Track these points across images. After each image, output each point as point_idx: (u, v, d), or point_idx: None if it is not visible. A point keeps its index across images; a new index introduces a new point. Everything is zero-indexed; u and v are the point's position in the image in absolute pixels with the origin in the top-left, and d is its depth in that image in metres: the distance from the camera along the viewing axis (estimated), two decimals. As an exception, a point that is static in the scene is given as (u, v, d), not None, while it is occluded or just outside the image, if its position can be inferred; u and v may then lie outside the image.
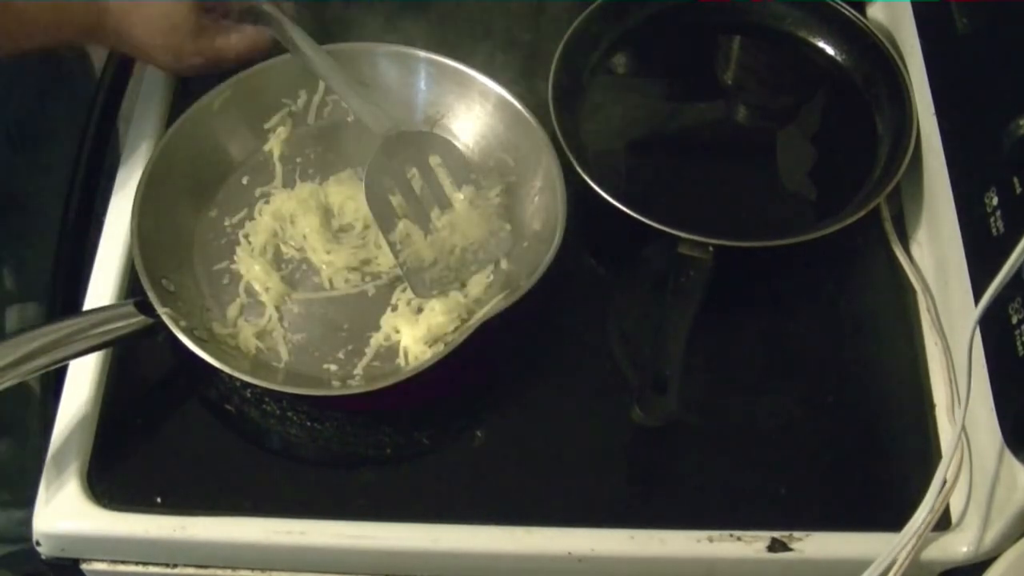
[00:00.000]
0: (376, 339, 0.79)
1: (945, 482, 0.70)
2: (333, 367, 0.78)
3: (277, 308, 0.81)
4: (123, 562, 0.75)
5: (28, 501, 0.74)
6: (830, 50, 0.94)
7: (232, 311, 0.81)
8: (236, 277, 0.82)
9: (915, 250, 0.84)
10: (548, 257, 0.77)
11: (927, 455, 0.75)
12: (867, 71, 0.91)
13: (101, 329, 0.74)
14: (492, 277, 0.81)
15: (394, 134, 0.79)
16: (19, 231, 1.07)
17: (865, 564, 0.68)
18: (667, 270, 0.79)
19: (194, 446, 0.78)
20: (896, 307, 0.83)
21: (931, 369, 0.79)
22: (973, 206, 0.72)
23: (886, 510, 0.72)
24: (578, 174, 0.82)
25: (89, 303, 0.81)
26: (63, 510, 0.73)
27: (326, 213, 0.85)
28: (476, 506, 0.74)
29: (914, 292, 0.82)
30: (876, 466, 0.76)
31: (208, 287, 0.82)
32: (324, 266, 0.83)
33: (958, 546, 0.71)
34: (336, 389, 0.76)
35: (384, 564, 0.74)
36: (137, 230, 0.79)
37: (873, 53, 0.91)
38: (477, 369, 0.79)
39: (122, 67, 0.95)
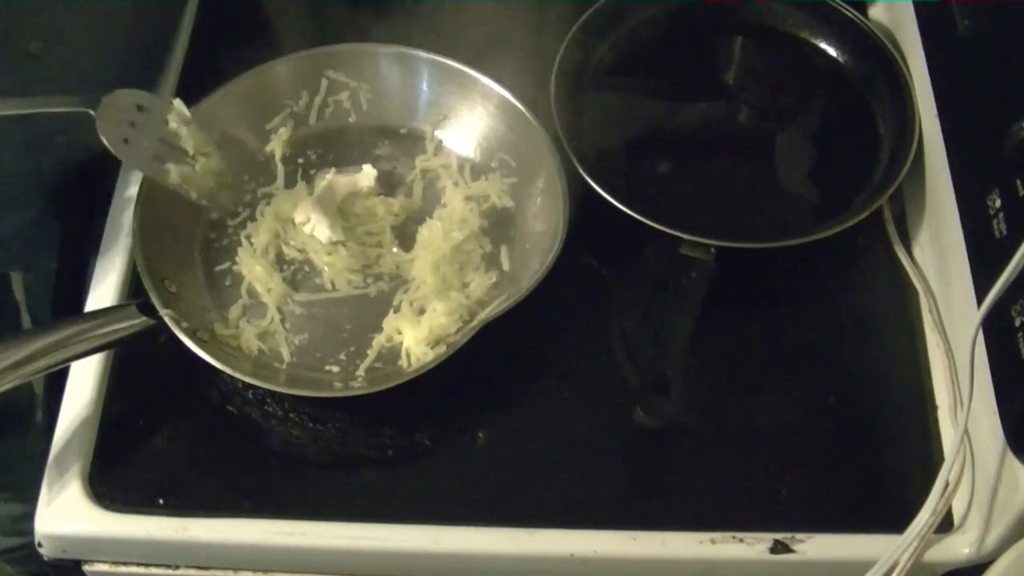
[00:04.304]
0: (378, 340, 0.79)
1: (947, 484, 0.70)
2: (335, 368, 0.78)
3: (279, 309, 0.81)
4: (125, 563, 0.75)
5: (29, 497, 0.74)
6: (832, 51, 0.94)
7: (234, 312, 0.80)
8: (238, 278, 0.82)
9: (917, 251, 0.84)
10: (550, 258, 0.77)
11: (929, 457, 0.75)
12: (869, 72, 0.91)
13: (103, 331, 0.74)
14: (494, 278, 0.81)
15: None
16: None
17: (867, 566, 0.68)
18: (668, 271, 0.79)
19: (196, 447, 0.78)
20: (898, 308, 0.83)
21: (933, 371, 0.79)
22: (975, 208, 0.72)
23: (888, 512, 0.72)
24: (580, 175, 0.82)
25: (91, 304, 0.81)
26: (65, 511, 0.73)
27: (327, 214, 0.85)
28: (477, 507, 0.74)
29: (916, 293, 0.82)
30: (878, 468, 0.76)
31: (210, 288, 0.82)
32: (326, 267, 0.83)
33: (960, 548, 0.71)
34: (338, 391, 0.76)
35: (385, 565, 0.74)
36: (139, 231, 0.79)
37: (875, 54, 0.91)
38: (479, 370, 0.79)
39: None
